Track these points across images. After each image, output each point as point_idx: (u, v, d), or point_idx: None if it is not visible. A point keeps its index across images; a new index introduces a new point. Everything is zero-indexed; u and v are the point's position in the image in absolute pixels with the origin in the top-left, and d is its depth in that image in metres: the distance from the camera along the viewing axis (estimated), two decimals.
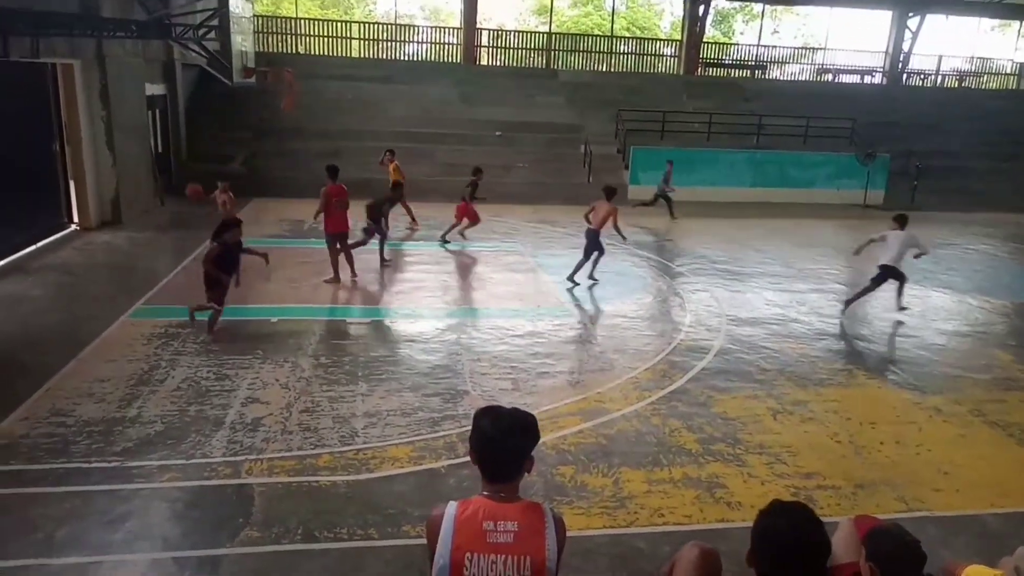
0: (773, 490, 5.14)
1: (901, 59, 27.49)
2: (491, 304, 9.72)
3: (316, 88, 20.47)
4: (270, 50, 23.75)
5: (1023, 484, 5.45)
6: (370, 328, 8.54)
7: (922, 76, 28.80)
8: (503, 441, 2.30)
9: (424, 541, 2.38)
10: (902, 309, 9.60)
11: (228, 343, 7.59)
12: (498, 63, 26.65)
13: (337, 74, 22.23)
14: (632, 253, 13.00)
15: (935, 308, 10.34)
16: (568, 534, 4.48)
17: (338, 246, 10.00)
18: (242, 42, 13.71)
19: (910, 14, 26.79)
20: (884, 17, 27.92)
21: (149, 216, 14.32)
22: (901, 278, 9.43)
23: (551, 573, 2.26)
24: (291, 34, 25.00)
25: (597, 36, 28.65)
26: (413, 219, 14.70)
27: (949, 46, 29.59)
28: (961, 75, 29.60)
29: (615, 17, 29.05)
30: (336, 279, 10.08)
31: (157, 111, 16.70)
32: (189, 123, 18.64)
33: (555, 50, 26.95)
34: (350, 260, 10.17)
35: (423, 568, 2.33)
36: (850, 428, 6.22)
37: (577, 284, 10.53)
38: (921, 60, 28.63)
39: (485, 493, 2.34)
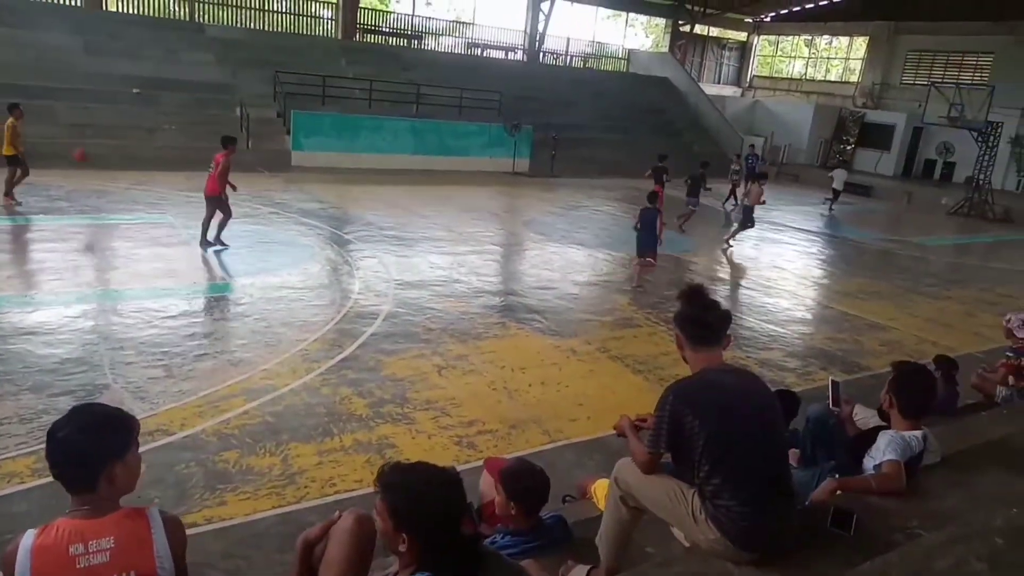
0: (439, 442, 5.45)
1: (537, 39, 30.53)
2: (136, 284, 8.64)
3: None
4: None
5: (638, 405, 6.49)
6: None
7: (555, 56, 32.38)
8: (76, 445, 1.99)
9: None
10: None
11: None
12: (131, 10, 23.51)
13: None
14: (298, 222, 12.62)
15: (571, 262, 11.83)
16: (234, 521, 4.31)
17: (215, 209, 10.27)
18: None
19: None
20: None
21: None
22: None
23: None
24: None
25: None
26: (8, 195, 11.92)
27: (575, 30, 33.61)
28: (585, 57, 33.94)
29: None
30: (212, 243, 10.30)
31: None
32: None
33: (200, 1, 24.60)
34: (208, 222, 10.34)
35: None
36: (504, 375, 6.85)
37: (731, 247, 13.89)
38: (554, 41, 32.12)
39: (70, 511, 2.03)
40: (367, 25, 28.02)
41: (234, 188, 10.52)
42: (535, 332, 8.20)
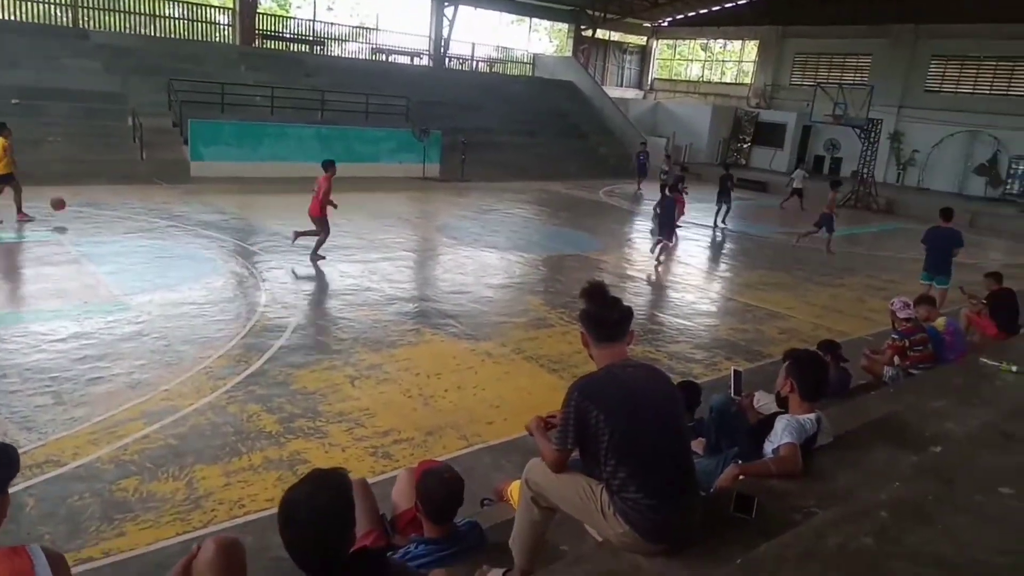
0: (354, 454, 5.34)
1: (442, 44, 30.48)
2: (19, 307, 8.09)
3: None
4: None
5: (553, 404, 6.57)
6: None
7: (461, 61, 32.41)
8: None
9: None
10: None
11: None
12: (5, 16, 21.98)
13: None
14: (199, 235, 12.11)
15: (484, 266, 11.85)
16: (135, 552, 4.09)
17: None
18: None
19: (446, 3, 29.79)
20: (425, 4, 30.54)
21: None
22: None
23: None
24: None
25: None
26: None
27: (480, 35, 33.83)
28: (491, 61, 34.13)
29: None
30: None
31: None
32: None
33: (83, 7, 23.28)
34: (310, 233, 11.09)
35: None
36: (419, 382, 6.78)
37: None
38: (460, 47, 32.16)
39: None
40: (266, 31, 27.20)
41: (335, 206, 11.17)
42: (450, 337, 8.16)
